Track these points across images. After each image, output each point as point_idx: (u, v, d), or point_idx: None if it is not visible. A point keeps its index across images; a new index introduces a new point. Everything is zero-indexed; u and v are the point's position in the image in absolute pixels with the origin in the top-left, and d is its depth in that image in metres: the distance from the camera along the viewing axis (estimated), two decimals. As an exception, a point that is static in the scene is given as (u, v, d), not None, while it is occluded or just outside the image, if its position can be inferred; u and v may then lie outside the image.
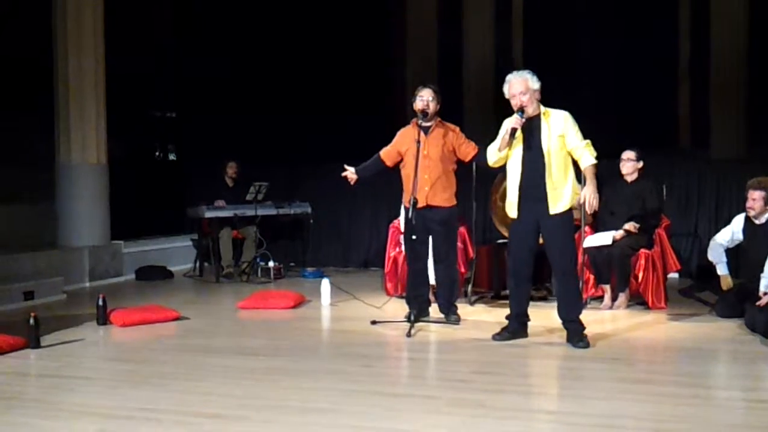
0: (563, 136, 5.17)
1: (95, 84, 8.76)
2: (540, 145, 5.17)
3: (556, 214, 5.17)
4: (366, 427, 3.64)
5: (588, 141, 5.21)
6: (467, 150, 6.04)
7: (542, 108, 5.25)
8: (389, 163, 6.18)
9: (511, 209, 5.33)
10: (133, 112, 11.41)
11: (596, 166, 5.18)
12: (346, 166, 6.24)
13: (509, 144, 5.23)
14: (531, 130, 5.20)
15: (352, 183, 6.28)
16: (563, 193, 5.18)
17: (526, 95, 5.18)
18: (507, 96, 5.29)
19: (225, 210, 8.85)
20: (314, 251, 9.76)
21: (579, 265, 6.48)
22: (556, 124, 5.18)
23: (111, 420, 3.80)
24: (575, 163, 5.28)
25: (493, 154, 5.36)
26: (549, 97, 5.29)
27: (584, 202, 5.16)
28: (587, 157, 5.18)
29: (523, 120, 5.15)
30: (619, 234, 6.65)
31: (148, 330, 6.04)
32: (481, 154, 5.68)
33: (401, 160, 6.11)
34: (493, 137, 5.42)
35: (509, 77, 5.29)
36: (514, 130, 5.16)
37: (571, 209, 5.26)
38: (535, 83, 5.23)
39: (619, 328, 5.91)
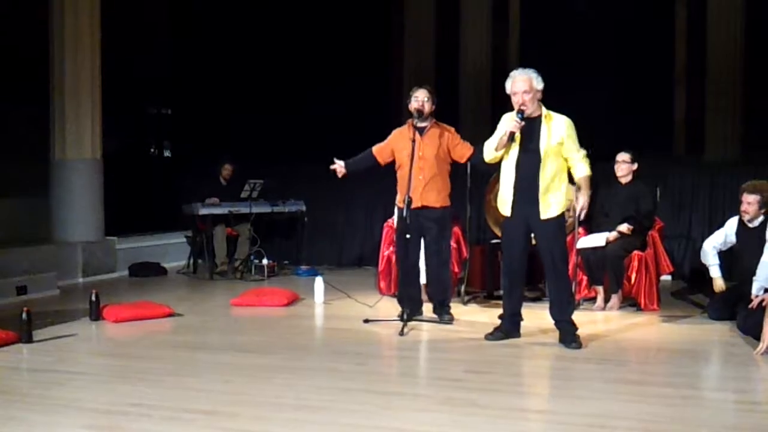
0: (562, 144, 5.16)
1: (91, 79, 8.74)
2: (538, 149, 5.14)
3: (546, 219, 5.18)
4: (358, 425, 3.65)
5: (584, 152, 5.22)
6: (463, 151, 6.04)
7: (544, 110, 5.21)
8: (380, 160, 6.18)
9: (504, 207, 5.32)
10: (129, 109, 11.40)
11: (590, 178, 5.21)
12: (335, 159, 6.23)
13: (506, 145, 5.21)
14: (530, 131, 5.16)
15: (339, 176, 6.26)
16: (555, 200, 5.18)
17: (529, 94, 5.13)
18: (508, 91, 5.23)
19: (219, 207, 8.84)
20: (308, 249, 9.75)
21: (572, 266, 6.50)
22: (558, 129, 5.15)
23: (102, 415, 3.80)
24: (568, 170, 5.30)
25: (489, 152, 5.32)
26: (545, 98, 5.27)
27: (580, 211, 5.19)
28: (582, 167, 5.21)
29: (523, 123, 5.11)
30: (612, 235, 6.67)
31: (141, 326, 6.03)
32: (477, 155, 5.68)
33: (392, 160, 6.11)
34: (488, 137, 5.41)
35: (514, 73, 5.23)
36: (512, 134, 5.14)
37: (563, 213, 5.28)
38: (539, 83, 5.17)
39: (612, 329, 5.92)
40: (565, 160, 5.22)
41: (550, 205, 5.17)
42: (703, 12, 10.44)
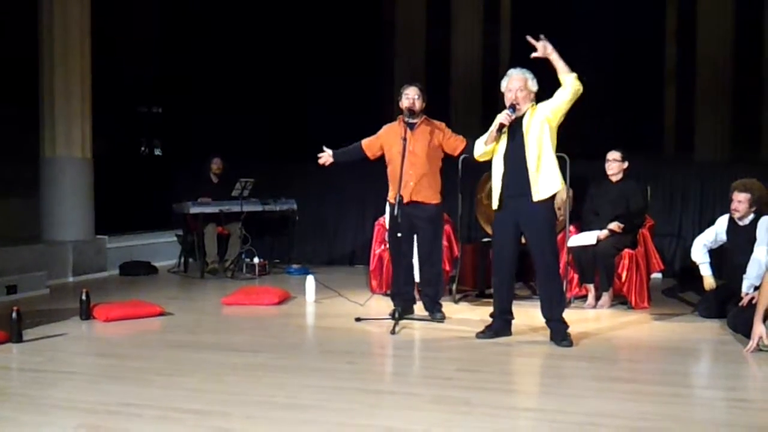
0: (549, 116, 5.14)
1: (81, 78, 8.69)
2: (522, 134, 5.18)
3: (538, 203, 5.16)
4: (349, 423, 3.64)
5: None
6: (455, 144, 6.04)
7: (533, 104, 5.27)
8: (369, 154, 6.17)
9: (494, 201, 5.33)
10: (120, 108, 11.36)
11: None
12: (324, 147, 6.21)
13: (496, 139, 5.24)
14: (518, 124, 5.21)
15: (326, 165, 6.23)
16: (545, 180, 5.16)
17: (523, 92, 5.19)
18: (503, 89, 5.28)
19: (210, 206, 8.81)
20: (299, 248, 9.73)
21: (563, 264, 6.51)
22: (542, 108, 5.19)
23: (92, 415, 3.78)
24: (559, 167, 5.31)
25: (480, 147, 5.37)
26: (538, 99, 5.29)
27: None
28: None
29: (513, 117, 5.15)
30: (603, 234, 6.68)
31: (132, 325, 6.00)
32: (470, 147, 5.69)
33: (381, 154, 6.11)
34: (479, 135, 5.44)
35: (511, 71, 5.30)
36: (502, 126, 5.17)
37: (553, 203, 5.29)
38: (534, 85, 5.25)
39: (603, 327, 5.94)
40: (559, 104, 5.13)
41: (540, 186, 5.15)
42: (693, 13, 10.50)
